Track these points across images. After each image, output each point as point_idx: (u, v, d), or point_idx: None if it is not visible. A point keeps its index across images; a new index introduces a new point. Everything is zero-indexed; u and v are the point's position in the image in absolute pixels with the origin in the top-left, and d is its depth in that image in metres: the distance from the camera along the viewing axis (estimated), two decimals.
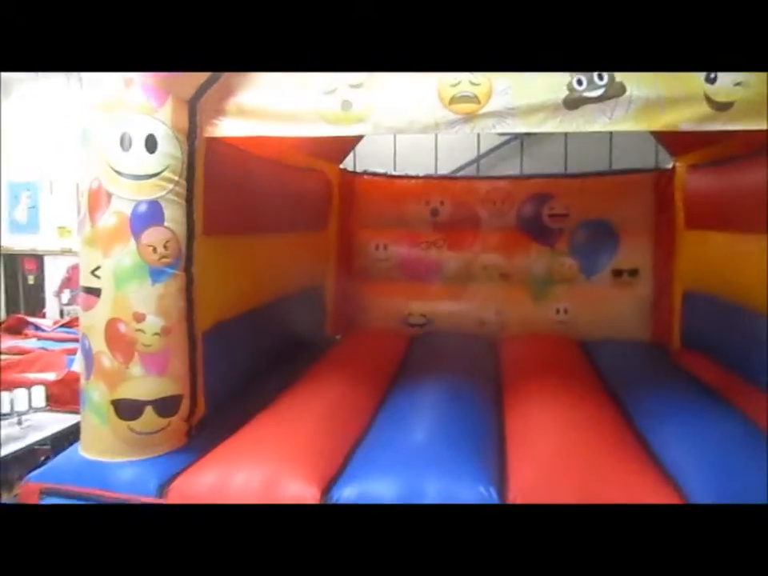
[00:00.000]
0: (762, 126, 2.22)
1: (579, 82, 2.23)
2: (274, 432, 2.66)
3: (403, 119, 2.34)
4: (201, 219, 2.57)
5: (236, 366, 3.17)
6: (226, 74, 2.43)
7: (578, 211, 4.60)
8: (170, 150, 2.36)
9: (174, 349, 2.46)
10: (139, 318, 2.36)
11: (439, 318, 4.76)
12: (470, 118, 2.30)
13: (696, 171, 4.13)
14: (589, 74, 2.22)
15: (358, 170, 5.06)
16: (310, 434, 2.62)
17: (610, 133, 4.76)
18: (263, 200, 3.45)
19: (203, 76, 2.41)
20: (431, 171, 5.25)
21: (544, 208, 4.63)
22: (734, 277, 3.56)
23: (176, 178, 2.39)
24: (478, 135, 5.34)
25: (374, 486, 2.22)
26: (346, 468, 2.42)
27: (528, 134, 5.30)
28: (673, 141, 4.22)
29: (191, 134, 2.45)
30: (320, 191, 4.48)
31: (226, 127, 2.48)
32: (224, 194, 2.87)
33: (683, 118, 2.22)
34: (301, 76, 2.39)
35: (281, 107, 2.42)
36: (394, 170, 5.11)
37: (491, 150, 5.76)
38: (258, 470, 2.31)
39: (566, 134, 5.05)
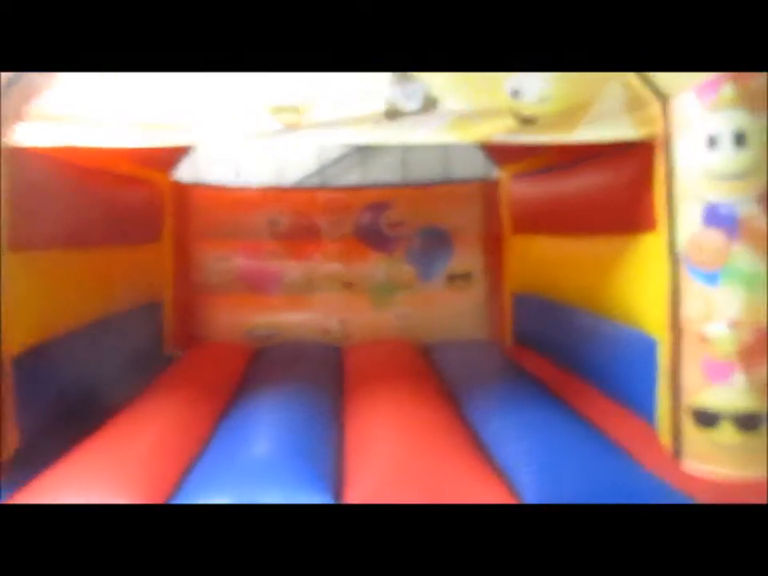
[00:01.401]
0: (566, 140, 2.43)
1: (398, 95, 2.30)
2: (100, 458, 2.49)
3: (226, 128, 2.29)
4: (7, 234, 2.35)
5: (58, 390, 2.94)
6: (29, 75, 2.25)
7: (414, 219, 4.78)
8: None
9: None
10: None
11: (283, 329, 4.72)
12: (293, 127, 2.30)
13: (519, 180, 4.43)
14: (406, 86, 2.30)
15: (201, 181, 4.92)
16: (141, 459, 2.48)
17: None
18: (83, 212, 3.23)
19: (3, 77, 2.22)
20: (276, 182, 5.21)
21: (381, 217, 4.75)
22: (555, 277, 3.85)
23: None
24: (321, 147, 5.36)
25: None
26: (179, 489, 2.32)
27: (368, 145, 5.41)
28: (496, 152, 4.49)
29: None
30: (149, 202, 4.27)
31: (31, 135, 2.29)
32: (37, 207, 2.66)
33: (493, 131, 2.36)
34: (117, 81, 2.27)
35: (91, 114, 2.27)
36: (238, 180, 5.02)
37: (335, 161, 5.82)
38: (81, 500, 2.14)
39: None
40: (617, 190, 2.89)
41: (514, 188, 4.46)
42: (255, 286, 4.75)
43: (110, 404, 3.16)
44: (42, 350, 2.74)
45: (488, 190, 4.75)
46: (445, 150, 5.20)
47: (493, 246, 4.73)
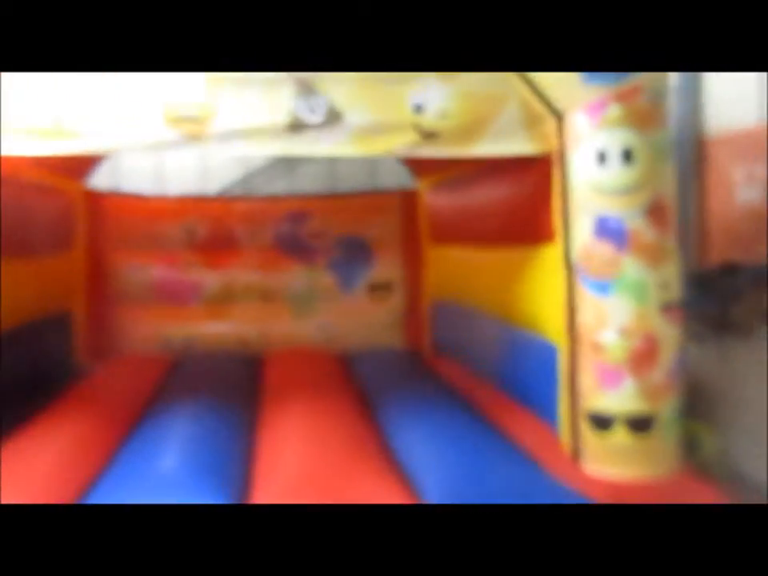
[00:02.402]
0: (466, 154, 2.51)
1: (301, 108, 2.32)
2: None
3: (122, 137, 2.26)
4: None
5: None
6: None
7: (335, 229, 4.80)
8: None
9: None
10: None
11: (200, 339, 4.65)
12: (193, 137, 2.28)
13: (436, 190, 4.52)
14: (309, 100, 2.32)
15: (118, 189, 4.82)
16: (42, 472, 2.42)
17: None
18: None
19: None
20: (199, 189, 5.15)
21: (302, 226, 4.75)
22: (468, 286, 3.95)
23: None
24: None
25: None
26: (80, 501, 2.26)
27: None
28: (414, 163, 4.56)
29: None
30: (61, 211, 4.14)
31: None
32: None
33: (395, 144, 2.42)
34: (7, 86, 2.20)
35: None
36: (162, 190, 4.93)
37: (261, 170, 5.77)
38: None
39: None
40: (518, 202, 3.00)
41: (431, 198, 4.55)
42: (172, 296, 4.67)
43: (9, 417, 3.05)
44: None
45: (407, 200, 4.82)
46: (372, 160, 5.26)
47: (412, 256, 4.80)
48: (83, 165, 4.15)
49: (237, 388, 3.75)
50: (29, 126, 2.21)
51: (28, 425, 2.97)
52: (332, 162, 5.42)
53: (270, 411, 3.24)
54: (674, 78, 3.85)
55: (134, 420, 3.21)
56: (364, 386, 3.78)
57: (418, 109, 2.40)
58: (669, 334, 2.41)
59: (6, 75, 2.18)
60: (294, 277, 4.77)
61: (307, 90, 2.32)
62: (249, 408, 3.37)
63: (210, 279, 4.71)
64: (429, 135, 2.42)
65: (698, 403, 3.42)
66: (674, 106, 4.01)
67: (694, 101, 3.95)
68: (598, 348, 2.41)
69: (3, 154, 2.25)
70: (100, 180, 4.67)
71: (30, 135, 2.22)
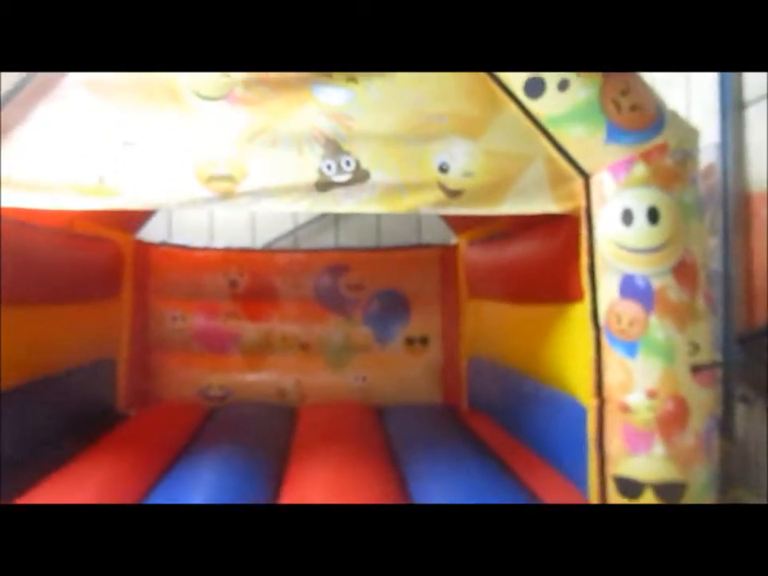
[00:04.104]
0: (489, 212, 2.54)
1: (329, 167, 2.40)
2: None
3: (159, 195, 2.38)
4: None
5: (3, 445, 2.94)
6: None
7: (373, 283, 4.86)
8: None
9: None
10: None
11: (239, 389, 4.72)
12: (225, 196, 2.38)
13: (474, 246, 4.54)
14: (337, 159, 2.40)
15: (174, 240, 5.03)
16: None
17: None
18: (36, 270, 3.29)
19: None
20: (249, 242, 5.32)
21: (340, 279, 4.83)
22: (503, 342, 3.92)
23: None
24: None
25: None
26: None
27: None
28: (453, 218, 4.61)
29: None
30: (110, 261, 4.34)
31: None
32: None
33: (420, 203, 2.46)
34: (56, 148, 2.36)
35: (29, 179, 2.35)
36: (212, 241, 5.12)
37: (308, 223, 5.93)
38: None
39: None
40: (548, 259, 2.99)
41: (469, 254, 4.57)
42: (212, 345, 4.78)
43: (52, 460, 3.16)
44: None
45: (446, 255, 4.85)
46: (416, 215, 5.32)
47: (449, 310, 4.80)
48: (132, 218, 4.37)
49: (270, 438, 3.78)
50: (73, 183, 2.36)
51: (68, 466, 3.08)
52: (377, 217, 5.52)
53: (298, 462, 3.25)
54: (714, 134, 3.85)
55: (168, 465, 3.28)
56: (396, 440, 3.76)
57: (443, 168, 2.45)
58: (700, 396, 2.33)
59: (53, 138, 2.35)
60: (332, 329, 4.83)
61: (335, 150, 2.40)
62: (279, 458, 3.39)
63: (249, 329, 4.81)
64: (454, 194, 2.46)
65: (746, 468, 3.27)
66: (717, 161, 4.00)
67: (737, 155, 3.89)
68: (625, 410, 2.35)
69: (49, 207, 2.40)
70: (154, 232, 4.92)
71: (75, 191, 2.36)
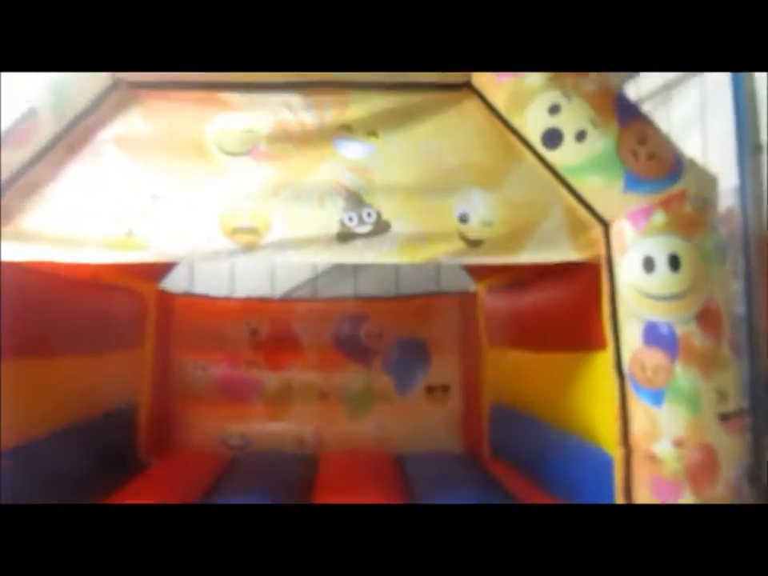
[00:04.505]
0: (509, 260, 2.55)
1: (350, 219, 2.45)
2: None
3: (185, 248, 2.43)
4: None
5: (24, 495, 2.94)
6: (4, 197, 2.41)
7: (392, 331, 4.87)
8: None
9: None
10: None
11: (259, 438, 4.71)
12: (249, 248, 2.43)
13: (493, 294, 4.55)
14: (359, 211, 2.45)
15: (195, 290, 5.09)
16: None
17: None
18: (62, 322, 3.35)
19: None
20: (268, 291, 5.37)
21: (360, 328, 4.85)
22: (525, 390, 3.89)
23: None
24: None
25: None
26: None
27: None
28: (473, 267, 4.62)
29: None
30: (134, 311, 4.40)
31: (3, 252, 2.42)
32: (14, 318, 2.77)
33: (441, 252, 2.49)
34: (86, 203, 2.44)
35: (61, 233, 2.42)
36: (232, 291, 5.18)
37: (327, 272, 5.98)
38: None
39: None
40: (569, 307, 2.99)
41: (489, 301, 4.57)
42: (233, 394, 4.79)
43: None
44: (16, 453, 2.79)
45: (465, 302, 4.86)
46: (435, 264, 5.32)
47: (470, 358, 4.78)
48: (156, 268, 4.44)
49: (290, 487, 3.74)
50: (103, 237, 2.42)
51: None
52: (396, 265, 5.54)
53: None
54: (732, 178, 3.87)
55: None
56: (415, 488, 3.71)
57: (463, 218, 2.48)
58: (729, 445, 2.29)
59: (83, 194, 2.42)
60: (351, 377, 4.83)
61: (356, 202, 2.45)
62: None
63: (269, 378, 4.82)
64: (474, 243, 2.48)
65: None
66: (736, 204, 4.00)
67: (756, 198, 3.90)
68: (653, 459, 2.31)
69: (80, 261, 2.46)
70: (176, 282, 4.98)
71: (104, 245, 2.42)
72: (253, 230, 2.42)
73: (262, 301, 5.07)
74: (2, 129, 2.30)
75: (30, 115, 2.32)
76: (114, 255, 2.42)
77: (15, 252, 2.43)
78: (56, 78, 2.36)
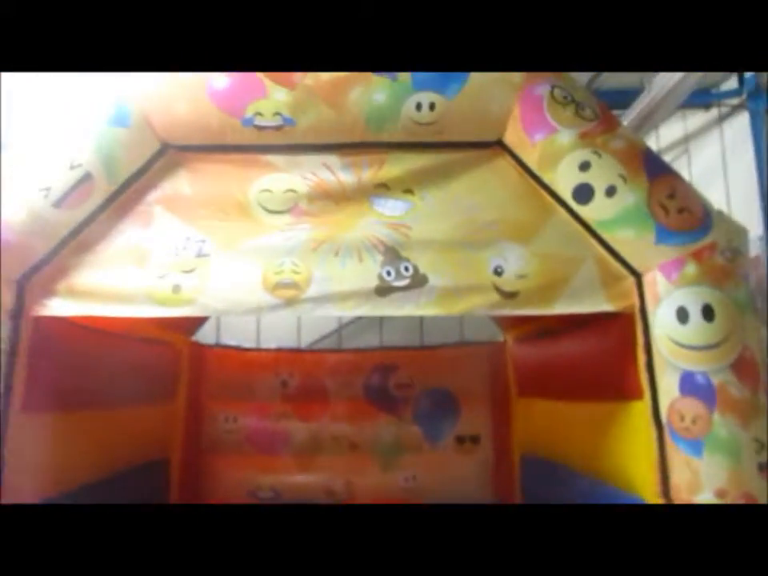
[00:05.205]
0: (544, 312, 2.61)
1: (389, 273, 2.53)
2: None
3: (229, 302, 2.52)
4: (21, 396, 2.52)
5: None
6: (59, 255, 2.53)
7: (421, 381, 4.88)
8: None
9: None
10: None
11: (288, 489, 4.69)
12: (291, 302, 2.51)
13: (522, 343, 4.57)
14: (396, 265, 2.53)
15: (223, 341, 5.16)
16: None
17: None
18: (99, 374, 3.42)
19: (36, 256, 2.50)
20: (294, 342, 5.43)
21: (389, 378, 4.87)
22: (557, 440, 3.87)
23: None
24: None
25: None
26: None
27: None
28: (501, 317, 4.66)
29: (17, 313, 2.47)
30: (168, 363, 4.47)
31: (55, 307, 2.53)
32: (53, 371, 2.84)
33: (477, 304, 2.55)
34: (135, 261, 2.55)
35: (111, 288, 2.52)
36: (258, 342, 5.24)
37: (352, 322, 6.04)
38: None
39: None
40: (603, 357, 3.00)
41: (518, 351, 4.60)
42: (262, 446, 4.79)
43: None
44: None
45: (494, 352, 4.88)
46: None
47: (500, 408, 4.77)
48: (191, 322, 4.53)
49: None
50: (150, 292, 2.52)
51: None
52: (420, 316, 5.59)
53: None
54: (757, 227, 3.90)
55: None
56: None
57: (498, 271, 2.55)
58: None
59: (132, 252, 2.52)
60: (381, 428, 4.82)
61: (394, 257, 2.54)
62: None
63: (300, 429, 4.83)
64: (509, 295, 2.54)
65: None
66: (762, 252, 4.02)
67: None
68: None
69: (130, 316, 2.55)
70: (204, 333, 5.03)
71: (152, 300, 2.52)
72: (294, 285, 2.51)
73: (292, 352, 5.13)
74: (59, 192, 2.43)
75: (86, 179, 2.46)
76: (162, 310, 2.51)
77: (69, 307, 2.53)
78: (106, 141, 2.50)
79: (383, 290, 2.52)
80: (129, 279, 2.53)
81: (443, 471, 4.75)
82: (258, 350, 5.06)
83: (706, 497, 2.28)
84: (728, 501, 2.25)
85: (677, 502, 2.36)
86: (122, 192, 2.59)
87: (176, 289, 2.50)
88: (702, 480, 2.29)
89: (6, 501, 2.44)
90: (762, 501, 2.28)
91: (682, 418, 2.35)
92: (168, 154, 2.64)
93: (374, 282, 2.52)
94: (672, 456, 2.39)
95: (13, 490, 2.50)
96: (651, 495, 2.53)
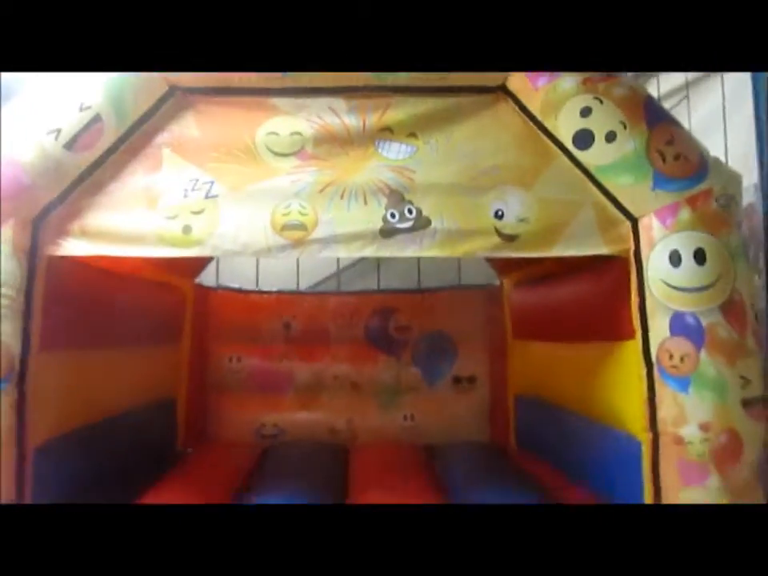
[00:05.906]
0: (543, 254, 2.69)
1: (393, 216, 2.60)
2: None
3: (238, 243, 2.60)
4: (38, 335, 2.62)
5: (72, 481, 3.10)
6: (72, 196, 2.59)
7: (420, 324, 5.01)
8: (9, 267, 2.44)
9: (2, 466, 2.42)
10: None
11: (291, 428, 4.86)
12: (298, 243, 2.59)
13: (518, 288, 4.67)
14: (400, 208, 2.60)
15: (221, 284, 5.23)
16: None
17: None
18: (110, 315, 3.51)
19: (49, 197, 2.56)
20: (293, 286, 5.51)
21: (389, 321, 4.99)
22: (551, 381, 4.02)
23: (13, 295, 2.45)
24: None
25: None
26: None
27: None
28: (497, 261, 4.76)
29: (32, 253, 2.55)
30: (174, 306, 4.57)
31: (69, 247, 2.61)
32: (67, 310, 2.93)
33: (478, 247, 2.64)
34: (146, 202, 2.61)
35: (123, 229, 2.60)
36: (257, 285, 5.33)
37: (350, 266, 6.10)
38: None
39: None
40: (598, 300, 3.11)
41: (514, 296, 4.71)
42: (266, 386, 4.93)
43: (121, 495, 3.32)
44: (60, 442, 2.93)
45: (491, 296, 4.99)
46: (456, 258, 5.45)
47: (496, 350, 4.91)
48: (195, 264, 4.61)
49: (323, 477, 3.89)
50: (161, 234, 2.59)
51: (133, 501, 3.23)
52: (417, 259, 5.64)
53: (354, 500, 3.38)
54: (753, 176, 3.95)
55: (226, 502, 3.41)
56: (445, 479, 3.84)
57: (499, 214, 2.63)
58: (752, 430, 2.42)
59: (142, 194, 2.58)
60: (381, 370, 4.96)
61: (398, 200, 2.61)
62: (332, 496, 3.50)
63: (302, 370, 4.97)
64: (510, 238, 2.63)
65: None
66: (756, 200, 4.07)
67: None
68: (680, 443, 2.45)
69: (139, 256, 2.64)
70: (203, 276, 5.06)
71: (162, 242, 2.59)
72: (301, 227, 2.59)
73: (294, 295, 5.22)
74: (70, 133, 2.48)
75: (96, 120, 2.50)
76: (173, 251, 2.59)
77: (82, 247, 2.61)
78: (115, 84, 2.53)
79: (388, 232, 2.60)
80: (140, 220, 2.60)
81: (441, 411, 4.92)
82: (261, 292, 5.14)
83: (690, 430, 2.41)
84: (711, 434, 2.39)
85: (663, 435, 2.50)
86: (131, 134, 2.63)
87: (186, 230, 2.57)
88: (687, 414, 2.43)
89: (32, 437, 2.57)
90: (745, 436, 2.41)
91: (671, 357, 2.47)
92: (176, 97, 2.68)
93: (378, 224, 2.60)
94: (660, 392, 2.52)
95: (37, 426, 2.62)
96: (639, 430, 2.68)
